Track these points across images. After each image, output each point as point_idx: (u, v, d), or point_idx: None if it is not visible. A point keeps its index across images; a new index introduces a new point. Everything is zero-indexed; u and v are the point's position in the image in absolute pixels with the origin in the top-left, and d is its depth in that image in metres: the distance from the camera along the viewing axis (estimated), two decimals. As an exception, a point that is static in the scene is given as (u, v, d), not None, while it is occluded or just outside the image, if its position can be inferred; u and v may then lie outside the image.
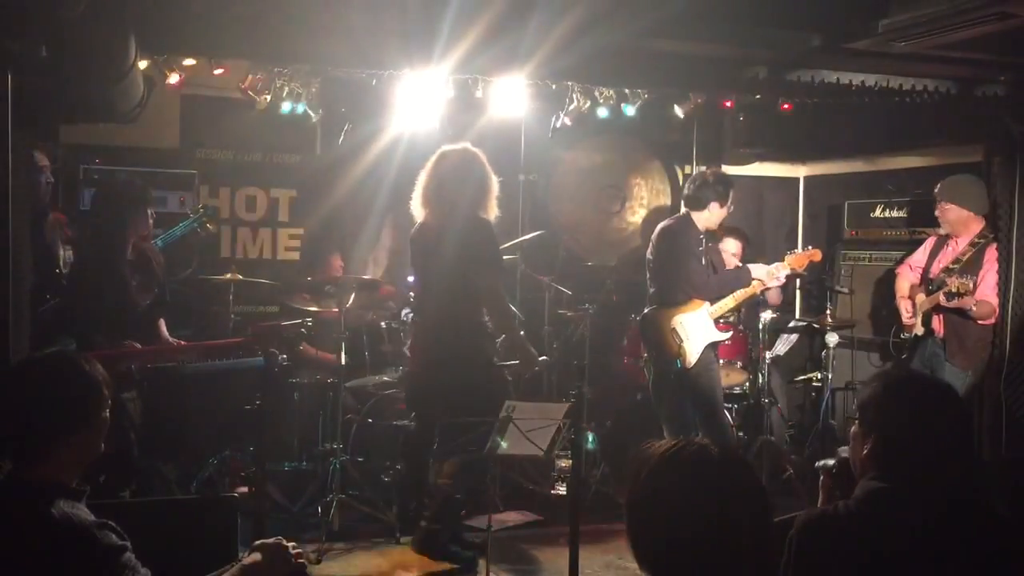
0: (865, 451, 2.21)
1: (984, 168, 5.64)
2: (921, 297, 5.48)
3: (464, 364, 4.79)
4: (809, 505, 2.29)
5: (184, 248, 6.37)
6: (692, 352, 5.36)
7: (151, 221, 5.19)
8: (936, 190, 5.52)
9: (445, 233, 4.82)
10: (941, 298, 5.20)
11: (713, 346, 5.43)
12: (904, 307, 5.60)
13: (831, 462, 2.42)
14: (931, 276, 5.50)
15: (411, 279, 6.76)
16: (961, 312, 5.22)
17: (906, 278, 5.71)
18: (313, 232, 7.11)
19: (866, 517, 2.11)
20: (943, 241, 5.58)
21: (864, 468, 2.22)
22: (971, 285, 5.07)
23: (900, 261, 6.01)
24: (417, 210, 4.97)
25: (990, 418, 5.38)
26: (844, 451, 2.37)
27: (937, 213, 5.53)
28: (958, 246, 5.46)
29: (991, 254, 5.30)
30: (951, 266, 5.38)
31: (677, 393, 5.45)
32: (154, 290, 5.15)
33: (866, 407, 2.25)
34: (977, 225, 5.42)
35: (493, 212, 4.91)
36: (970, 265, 5.30)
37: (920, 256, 5.69)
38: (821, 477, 2.46)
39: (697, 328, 5.37)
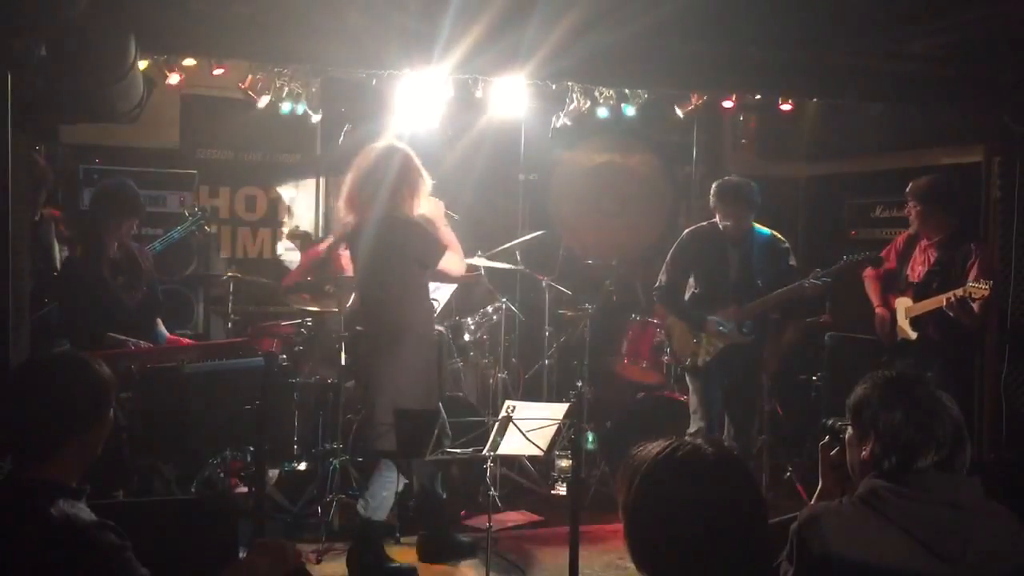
0: (864, 453, 2.22)
1: (984, 168, 5.63)
2: (907, 301, 5.43)
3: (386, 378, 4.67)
4: (809, 505, 2.30)
5: (183, 248, 6.37)
6: (707, 353, 5.42)
7: (132, 229, 5.13)
8: (907, 189, 5.51)
9: (363, 236, 4.72)
10: (944, 303, 5.11)
11: (737, 346, 5.42)
12: (882, 315, 5.54)
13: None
14: (911, 279, 5.47)
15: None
16: (968, 313, 5.15)
17: (875, 281, 5.67)
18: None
19: (869, 515, 2.12)
20: (912, 242, 5.55)
21: (864, 469, 2.23)
22: (987, 289, 5.00)
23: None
24: (341, 213, 4.82)
25: (990, 418, 5.37)
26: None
27: (906, 211, 5.54)
28: (932, 247, 5.42)
29: (973, 255, 5.26)
30: (933, 268, 5.36)
31: (696, 388, 5.51)
32: (143, 288, 5.14)
33: (860, 410, 2.25)
34: (946, 223, 5.38)
35: (415, 209, 4.71)
36: (953, 265, 5.28)
37: (889, 259, 5.63)
38: (826, 438, 2.47)
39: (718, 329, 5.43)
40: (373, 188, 4.68)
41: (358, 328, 4.99)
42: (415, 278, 4.76)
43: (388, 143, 4.82)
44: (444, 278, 5.11)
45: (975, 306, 5.08)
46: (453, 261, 4.79)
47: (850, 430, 2.31)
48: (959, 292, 5.05)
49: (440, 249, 4.73)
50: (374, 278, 4.78)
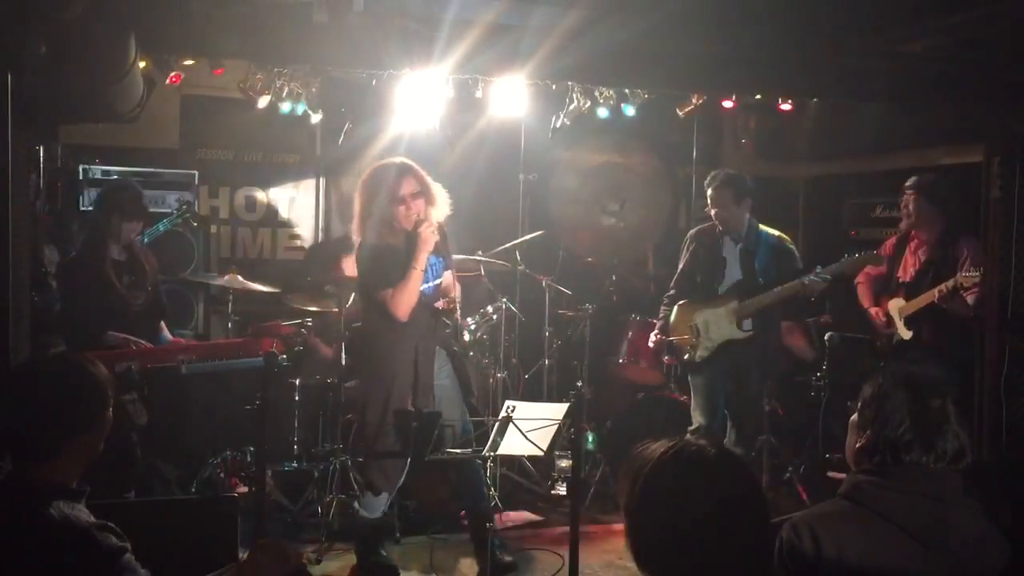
0: (860, 443, 2.23)
1: (984, 168, 5.63)
2: (900, 302, 5.44)
3: None
4: (810, 505, 2.30)
5: (183, 248, 6.37)
6: (705, 348, 5.44)
7: (132, 233, 5.07)
8: (908, 182, 5.53)
9: None
10: (936, 296, 5.12)
11: (736, 342, 5.43)
12: (875, 314, 5.57)
13: None
14: (902, 280, 5.47)
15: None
16: (961, 303, 5.14)
17: (867, 287, 5.70)
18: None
19: (853, 509, 2.15)
20: (902, 244, 5.57)
21: (858, 460, 2.25)
22: (978, 276, 4.98)
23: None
24: None
25: (990, 418, 5.37)
26: None
27: (902, 203, 5.54)
28: (922, 247, 5.43)
29: (964, 252, 5.27)
30: (923, 267, 5.37)
31: (696, 385, 5.55)
32: (147, 289, 5.12)
33: (870, 402, 2.24)
34: (935, 221, 5.40)
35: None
36: (944, 264, 5.28)
37: (880, 263, 5.64)
38: None
39: (715, 325, 5.43)
40: None
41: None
42: None
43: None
44: None
45: (968, 297, 5.09)
46: None
47: (855, 415, 2.31)
48: (950, 283, 5.07)
49: None
50: None
